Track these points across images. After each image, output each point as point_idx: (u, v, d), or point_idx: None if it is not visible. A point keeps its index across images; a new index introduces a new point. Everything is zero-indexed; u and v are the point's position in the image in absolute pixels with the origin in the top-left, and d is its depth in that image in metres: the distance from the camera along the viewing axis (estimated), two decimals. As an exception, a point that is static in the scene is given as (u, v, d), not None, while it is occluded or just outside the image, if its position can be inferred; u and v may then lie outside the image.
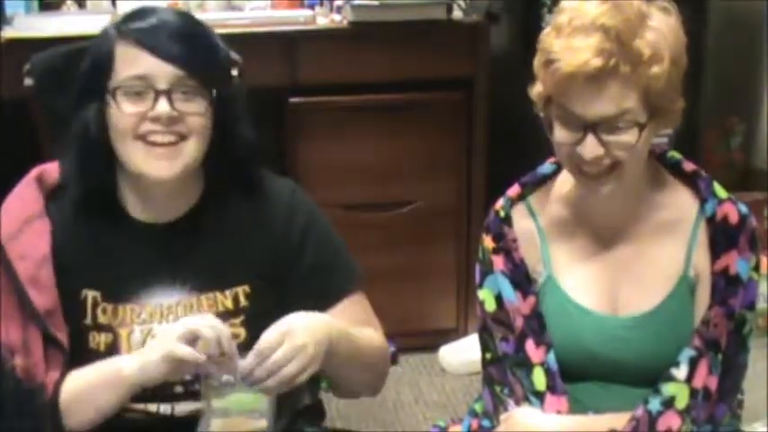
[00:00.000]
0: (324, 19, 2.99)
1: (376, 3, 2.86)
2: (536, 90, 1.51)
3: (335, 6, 3.01)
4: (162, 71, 1.46)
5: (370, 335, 1.63)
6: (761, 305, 3.08)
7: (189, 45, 1.49)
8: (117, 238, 1.55)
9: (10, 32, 2.74)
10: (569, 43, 1.42)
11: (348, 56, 2.90)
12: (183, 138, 1.48)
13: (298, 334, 1.43)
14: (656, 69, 1.41)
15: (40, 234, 1.52)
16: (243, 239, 1.57)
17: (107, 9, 2.99)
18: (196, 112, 1.49)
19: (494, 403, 1.59)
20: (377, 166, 2.99)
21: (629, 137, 1.43)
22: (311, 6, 3.06)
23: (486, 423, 1.64)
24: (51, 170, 1.59)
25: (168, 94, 1.46)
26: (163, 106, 1.46)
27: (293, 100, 2.91)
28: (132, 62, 1.47)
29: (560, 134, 1.47)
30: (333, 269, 1.63)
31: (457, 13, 2.99)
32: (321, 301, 1.58)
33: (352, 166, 2.98)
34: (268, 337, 1.42)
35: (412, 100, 2.99)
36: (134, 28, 1.49)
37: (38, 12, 2.94)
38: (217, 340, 1.40)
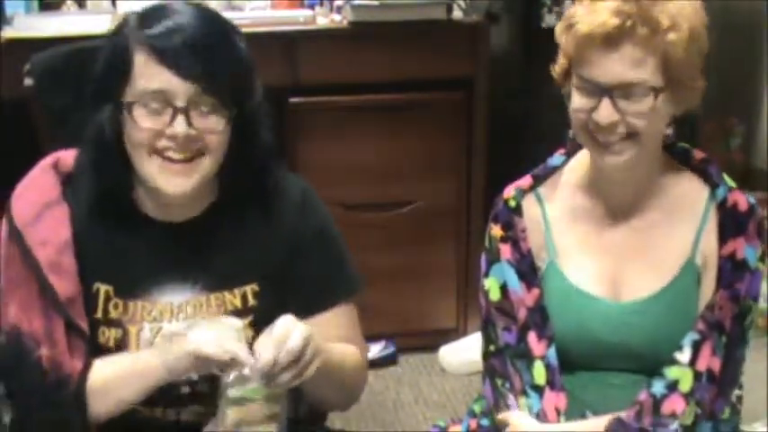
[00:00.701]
0: (324, 19, 2.99)
1: (376, 3, 2.85)
2: (558, 64, 1.53)
3: (335, 6, 3.01)
4: (180, 88, 1.42)
5: (347, 353, 1.59)
6: (761, 305, 3.08)
7: (210, 60, 1.42)
8: (131, 234, 1.53)
9: (10, 32, 2.74)
10: (589, 7, 1.45)
11: (348, 56, 2.90)
12: (200, 153, 1.46)
13: (302, 325, 1.41)
14: (672, 36, 1.43)
15: (61, 220, 1.50)
16: (254, 238, 1.56)
17: (107, 9, 2.99)
18: (215, 130, 1.45)
19: (494, 397, 1.60)
20: (377, 166, 2.99)
21: (645, 104, 1.45)
22: (311, 6, 3.06)
23: (484, 422, 1.64)
24: (66, 157, 1.57)
25: (186, 111, 1.42)
26: (180, 124, 1.42)
27: (293, 100, 2.91)
28: (150, 75, 1.42)
29: (577, 101, 1.49)
30: (334, 275, 1.61)
31: (457, 13, 2.99)
32: (314, 303, 1.58)
33: (352, 166, 2.98)
34: (282, 325, 1.39)
35: (412, 100, 2.99)
36: (153, 35, 1.42)
37: (38, 12, 2.93)
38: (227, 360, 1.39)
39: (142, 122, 1.43)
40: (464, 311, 3.15)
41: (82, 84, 1.54)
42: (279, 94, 2.88)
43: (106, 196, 1.52)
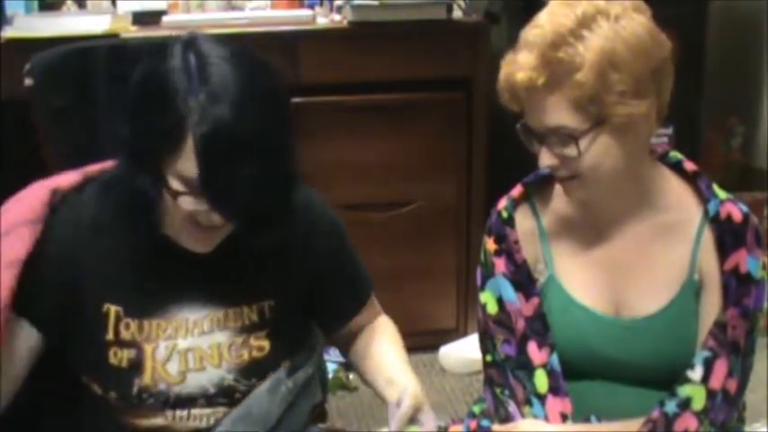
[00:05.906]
0: (324, 19, 3.00)
1: (376, 3, 2.85)
2: None
3: (335, 6, 3.02)
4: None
5: (394, 331, 1.81)
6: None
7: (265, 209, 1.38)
8: (146, 252, 1.49)
9: (10, 32, 2.74)
10: (506, 62, 1.47)
11: (348, 56, 2.90)
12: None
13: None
14: (578, 77, 1.40)
15: (24, 239, 1.44)
16: (270, 255, 1.53)
17: (107, 9, 3.00)
18: None
19: (494, 404, 1.60)
20: (377, 166, 2.99)
21: (570, 150, 1.44)
22: (311, 6, 3.07)
23: (484, 423, 1.64)
24: (65, 182, 1.52)
25: None
26: (217, 219, 1.38)
27: (293, 100, 2.89)
28: (196, 197, 1.36)
29: (528, 145, 1.51)
30: (356, 276, 1.69)
31: (457, 13, 2.99)
32: (352, 309, 1.69)
33: (352, 166, 2.98)
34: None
35: (412, 100, 2.99)
36: (211, 143, 1.31)
37: (38, 12, 2.94)
38: None
39: (186, 206, 1.38)
40: (464, 311, 3.15)
41: (82, 84, 1.53)
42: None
43: (135, 226, 1.47)
